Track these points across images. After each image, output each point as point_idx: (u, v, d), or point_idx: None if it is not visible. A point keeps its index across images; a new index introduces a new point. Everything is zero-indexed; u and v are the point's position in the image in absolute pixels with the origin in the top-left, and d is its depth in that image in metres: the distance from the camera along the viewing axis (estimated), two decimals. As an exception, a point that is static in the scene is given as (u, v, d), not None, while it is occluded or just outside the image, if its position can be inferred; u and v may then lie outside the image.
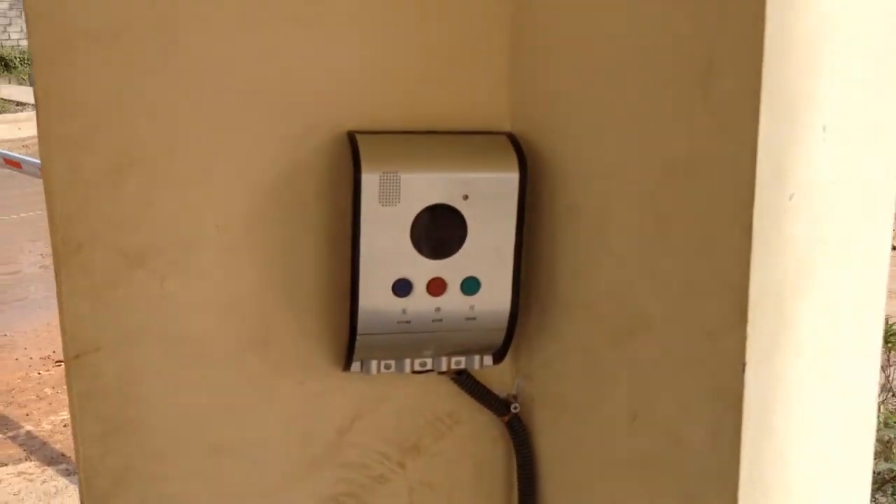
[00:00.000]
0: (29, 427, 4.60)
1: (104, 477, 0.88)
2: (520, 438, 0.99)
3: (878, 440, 3.33)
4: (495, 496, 1.00)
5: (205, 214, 0.88)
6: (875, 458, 3.43)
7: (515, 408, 0.99)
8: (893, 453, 3.22)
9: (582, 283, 0.93)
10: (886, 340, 3.59)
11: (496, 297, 0.92)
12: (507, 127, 0.96)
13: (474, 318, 0.92)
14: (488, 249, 0.91)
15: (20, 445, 4.45)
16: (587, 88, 0.90)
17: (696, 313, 0.85)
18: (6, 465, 4.27)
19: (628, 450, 0.91)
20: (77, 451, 0.88)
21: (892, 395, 3.64)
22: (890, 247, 1.01)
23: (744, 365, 0.82)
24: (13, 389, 5.01)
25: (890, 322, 3.65)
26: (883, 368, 3.64)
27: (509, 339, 0.94)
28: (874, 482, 3.06)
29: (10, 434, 4.56)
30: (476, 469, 1.00)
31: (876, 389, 1.02)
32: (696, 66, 0.82)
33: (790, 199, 0.84)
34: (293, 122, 0.90)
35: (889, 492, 2.89)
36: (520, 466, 0.99)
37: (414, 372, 0.93)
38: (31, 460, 4.31)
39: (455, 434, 0.98)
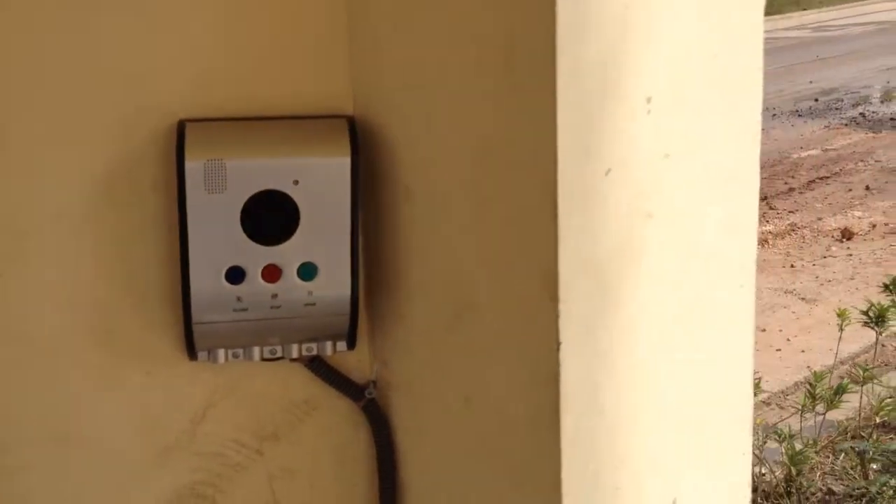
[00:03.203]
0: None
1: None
2: (377, 423, 0.99)
3: None
4: (359, 481, 1.00)
5: (40, 206, 0.89)
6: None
7: (370, 393, 0.98)
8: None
9: (419, 266, 0.92)
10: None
11: (335, 283, 0.92)
12: (349, 111, 0.95)
13: (314, 304, 0.92)
14: (324, 234, 0.91)
15: None
16: (414, 70, 0.89)
17: (514, 295, 0.84)
18: None
19: (466, 433, 0.90)
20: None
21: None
22: (756, 220, 0.98)
23: (559, 344, 0.80)
24: None
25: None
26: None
27: (354, 324, 0.93)
28: None
29: None
30: (337, 455, 1.00)
31: (748, 366, 0.99)
32: (499, 44, 0.81)
33: (606, 174, 0.82)
34: (127, 111, 0.91)
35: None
36: (378, 451, 0.99)
37: (264, 359, 0.94)
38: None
39: (314, 420, 0.99)
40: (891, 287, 3.55)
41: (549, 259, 0.79)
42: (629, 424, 0.87)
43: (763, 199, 6.94)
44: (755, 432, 3.08)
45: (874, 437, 2.96)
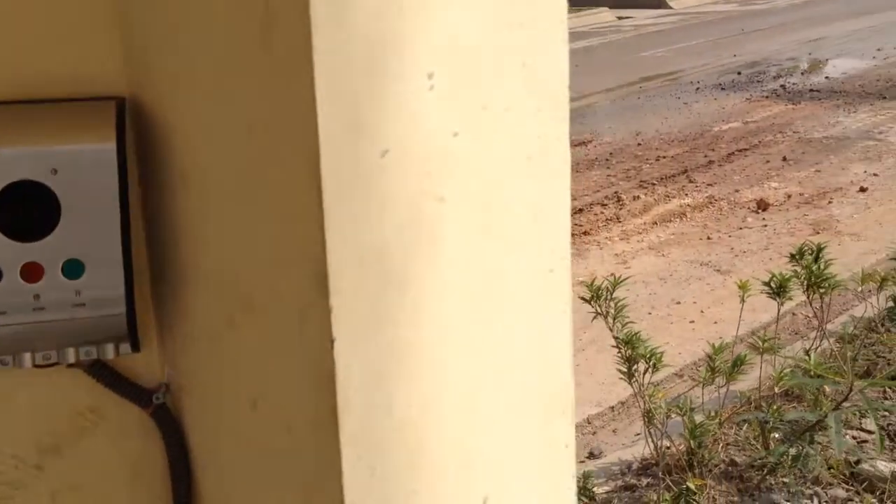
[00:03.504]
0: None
1: None
2: (168, 430, 0.91)
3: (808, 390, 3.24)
4: (153, 492, 0.93)
5: None
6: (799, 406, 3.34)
7: (158, 398, 0.91)
8: (822, 402, 3.14)
9: (199, 258, 0.85)
10: (819, 286, 3.49)
11: (106, 280, 0.84)
12: (123, 91, 0.87)
13: (83, 304, 0.84)
14: (90, 228, 0.83)
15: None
16: (180, 47, 0.82)
17: (288, 289, 0.77)
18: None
19: (255, 437, 0.84)
20: None
21: (825, 338, 3.55)
22: (568, 201, 0.93)
23: (332, 341, 0.74)
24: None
25: (824, 267, 3.54)
26: (815, 314, 3.55)
27: (133, 324, 0.86)
28: (798, 429, 2.98)
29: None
30: (130, 466, 0.93)
31: (566, 354, 0.94)
32: (256, 17, 0.73)
33: (383, 156, 0.75)
34: None
35: (808, 440, 2.81)
36: (170, 459, 0.91)
37: (37, 366, 0.86)
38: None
39: (101, 430, 0.91)
40: (797, 257, 3.58)
41: (318, 250, 0.72)
42: (425, 422, 0.81)
43: (683, 172, 6.98)
44: (659, 405, 3.07)
45: (776, 406, 2.98)
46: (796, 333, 4.38)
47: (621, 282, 3.15)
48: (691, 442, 2.80)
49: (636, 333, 3.01)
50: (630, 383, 3.01)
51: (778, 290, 3.21)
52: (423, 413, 0.81)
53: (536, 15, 0.84)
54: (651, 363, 2.98)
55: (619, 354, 3.01)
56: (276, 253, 0.77)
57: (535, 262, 0.88)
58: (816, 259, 3.59)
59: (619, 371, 3.04)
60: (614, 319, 3.09)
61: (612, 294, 3.13)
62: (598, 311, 3.13)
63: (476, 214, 0.82)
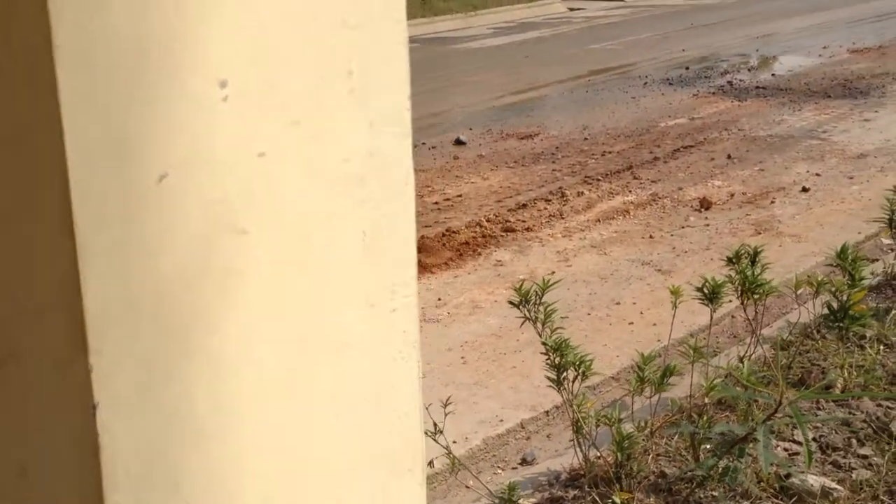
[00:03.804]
0: None
1: None
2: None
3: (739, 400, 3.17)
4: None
5: None
6: (730, 419, 3.27)
7: (-77, 459, 0.77)
8: (755, 414, 3.07)
9: (-40, 299, 0.71)
10: (753, 292, 3.43)
11: None
12: None
13: None
14: None
15: None
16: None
17: (47, 339, 0.63)
18: None
19: (23, 513, 0.71)
20: None
21: (760, 345, 3.48)
22: (412, 230, 0.80)
23: (94, 406, 0.61)
24: None
25: (759, 272, 3.47)
26: (750, 321, 3.48)
27: None
28: (726, 444, 2.91)
29: None
30: None
31: (414, 405, 0.82)
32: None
33: (159, 181, 0.62)
34: None
35: (738, 453, 2.74)
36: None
37: None
38: None
39: None
40: (734, 260, 3.51)
41: (72, 295, 0.59)
42: (226, 499, 0.69)
43: (628, 168, 6.93)
44: (588, 415, 2.98)
45: (706, 417, 2.90)
46: (735, 337, 4.32)
47: (551, 285, 3.04)
48: (619, 454, 2.70)
49: (566, 340, 2.91)
50: (559, 391, 2.92)
51: (711, 296, 3.13)
52: (222, 490, 0.68)
53: (366, 13, 0.71)
54: (580, 371, 2.88)
55: (548, 362, 2.91)
56: (33, 298, 0.63)
57: (370, 300, 0.76)
58: (753, 263, 3.52)
59: (549, 378, 2.94)
60: (543, 325, 2.99)
61: (541, 298, 3.03)
62: (528, 316, 3.03)
63: (290, 248, 0.70)
